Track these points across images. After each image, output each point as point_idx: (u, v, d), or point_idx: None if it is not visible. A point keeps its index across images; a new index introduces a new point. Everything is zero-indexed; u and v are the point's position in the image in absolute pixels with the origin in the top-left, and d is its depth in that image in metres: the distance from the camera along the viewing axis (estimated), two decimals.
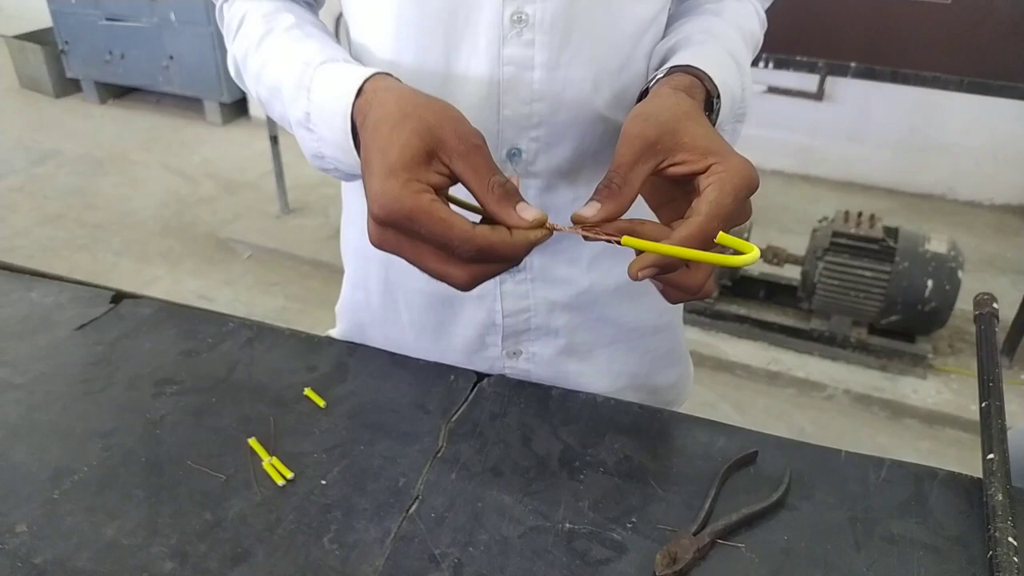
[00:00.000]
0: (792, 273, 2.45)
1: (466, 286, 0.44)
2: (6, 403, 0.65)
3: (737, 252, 0.45)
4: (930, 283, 2.10)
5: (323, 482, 0.58)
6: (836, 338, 2.33)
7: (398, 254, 0.45)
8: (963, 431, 2.11)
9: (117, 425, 0.63)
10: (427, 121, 0.44)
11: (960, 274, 2.09)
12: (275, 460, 0.59)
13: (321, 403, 0.65)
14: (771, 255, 2.39)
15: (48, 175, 3.53)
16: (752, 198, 0.48)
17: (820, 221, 2.35)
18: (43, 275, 0.83)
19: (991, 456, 0.58)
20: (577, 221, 0.45)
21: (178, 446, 0.61)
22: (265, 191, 3.21)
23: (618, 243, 0.45)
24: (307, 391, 0.66)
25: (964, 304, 2.26)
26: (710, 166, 0.46)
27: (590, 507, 0.57)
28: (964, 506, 0.58)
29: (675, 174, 0.47)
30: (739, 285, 2.51)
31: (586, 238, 0.47)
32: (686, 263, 0.47)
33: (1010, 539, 0.52)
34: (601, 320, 0.68)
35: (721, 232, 0.44)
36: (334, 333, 0.79)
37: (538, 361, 0.69)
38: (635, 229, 0.46)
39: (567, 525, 0.55)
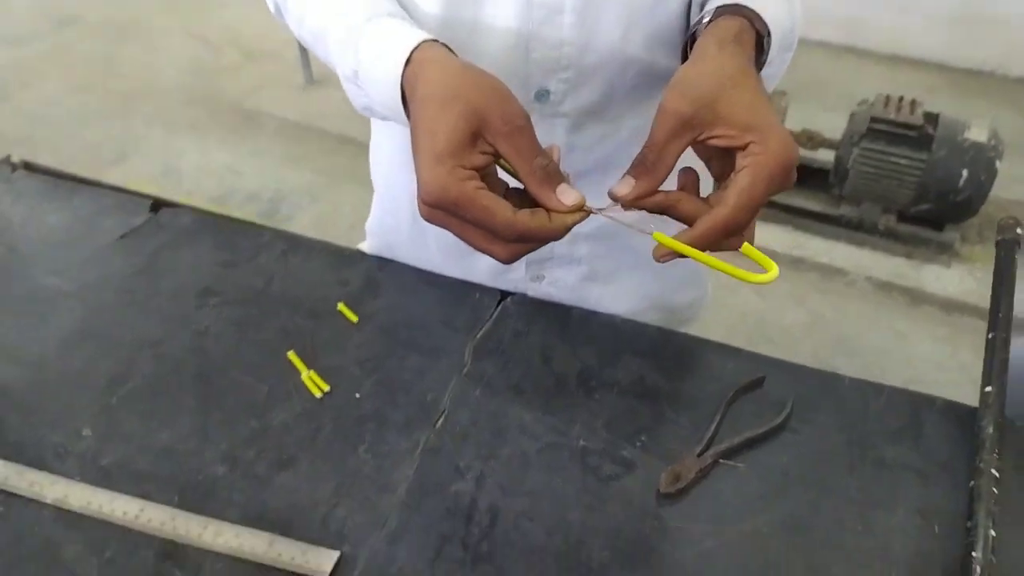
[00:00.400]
0: (826, 157, 2.40)
1: (507, 261, 0.47)
2: (61, 311, 0.69)
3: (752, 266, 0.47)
4: (965, 173, 2.05)
5: (357, 395, 0.63)
6: (864, 224, 2.31)
7: (446, 229, 0.47)
8: (981, 319, 2.13)
9: (164, 335, 0.67)
10: (473, 102, 0.44)
11: (998, 164, 2.04)
12: (313, 373, 0.64)
13: (354, 318, 0.69)
14: (806, 139, 2.33)
15: (71, 42, 3.47)
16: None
17: (859, 104, 2.27)
18: (84, 181, 0.85)
19: (988, 389, 0.61)
20: (613, 197, 0.46)
21: (223, 356, 0.66)
22: (288, 60, 3.14)
23: (650, 235, 0.47)
24: (340, 306, 0.70)
25: (1000, 191, 2.22)
26: (748, 144, 0.46)
27: (604, 426, 0.61)
28: (957, 434, 0.61)
29: (714, 147, 0.47)
30: None
31: (622, 222, 0.48)
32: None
33: (992, 471, 0.55)
34: (623, 248, 0.70)
35: (747, 244, 0.45)
36: (364, 247, 0.82)
37: (560, 286, 0.72)
38: (673, 205, 0.47)
39: (581, 442, 0.60)
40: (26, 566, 0.50)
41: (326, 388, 0.63)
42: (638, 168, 0.47)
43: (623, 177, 0.48)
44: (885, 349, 2.02)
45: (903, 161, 2.13)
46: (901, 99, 2.19)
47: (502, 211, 0.44)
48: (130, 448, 0.58)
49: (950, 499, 0.56)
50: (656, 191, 0.48)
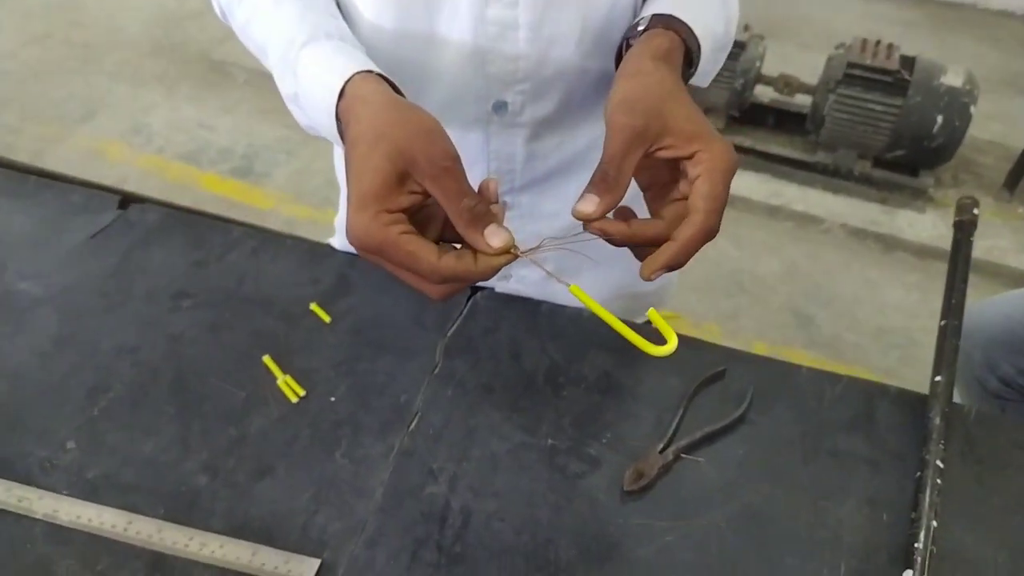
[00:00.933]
0: (803, 101, 2.40)
1: (440, 299, 0.48)
2: (38, 318, 0.70)
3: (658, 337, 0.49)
4: (940, 119, 2.06)
5: (332, 399, 0.64)
6: (840, 170, 2.32)
7: (379, 266, 0.47)
8: None
9: (141, 341, 0.68)
10: (399, 143, 0.44)
11: (972, 109, 2.04)
12: (288, 378, 0.65)
13: (326, 318, 0.70)
14: (783, 84, 2.32)
15: None
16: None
17: (836, 48, 2.25)
18: (51, 176, 0.85)
19: (938, 379, 0.64)
20: (579, 217, 0.47)
21: (199, 362, 0.67)
22: None
23: (566, 286, 0.49)
24: (313, 306, 0.71)
25: (976, 131, 2.23)
26: (695, 153, 0.47)
27: (571, 424, 0.63)
28: (908, 422, 0.64)
29: (662, 158, 0.48)
30: (748, 113, 2.46)
31: (544, 269, 0.49)
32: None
33: (938, 462, 0.59)
34: (587, 247, 0.71)
35: (653, 310, 0.47)
36: (335, 243, 0.82)
37: (527, 283, 0.73)
38: (636, 234, 0.48)
39: (549, 441, 0.62)
40: None
41: (302, 393, 0.65)
42: (599, 185, 0.48)
43: (584, 196, 0.48)
44: (858, 297, 2.07)
45: (878, 107, 2.13)
46: (878, 43, 2.18)
47: (426, 256, 0.45)
48: (114, 460, 0.60)
49: (899, 487, 0.60)
50: (617, 206, 0.49)
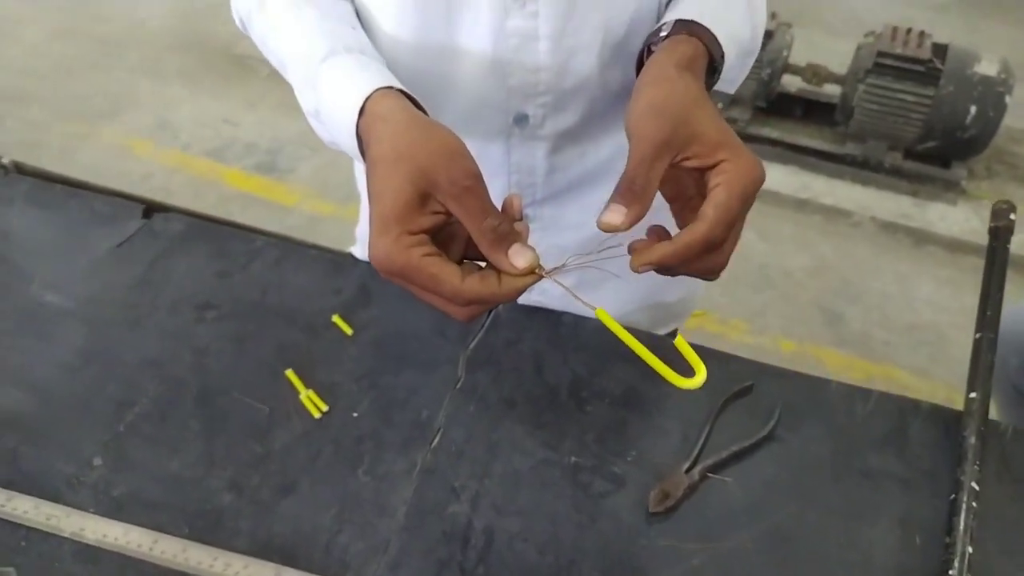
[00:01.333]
0: (833, 91, 2.35)
1: (465, 320, 0.47)
2: (64, 332, 0.70)
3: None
4: (973, 109, 2.01)
5: (355, 414, 0.64)
6: (870, 162, 2.28)
7: (404, 287, 0.47)
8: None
9: (166, 355, 0.69)
10: (420, 163, 0.44)
11: (1007, 99, 1.99)
12: (311, 393, 0.65)
13: (348, 331, 0.70)
14: (811, 74, 2.28)
15: None
16: None
17: (866, 36, 2.20)
18: (76, 184, 0.85)
19: (972, 395, 0.62)
20: (605, 229, 0.46)
21: (223, 376, 0.67)
22: None
23: (592, 311, 0.48)
24: (335, 318, 0.71)
25: (1012, 120, 2.17)
26: (720, 162, 0.46)
27: (594, 440, 0.63)
28: (942, 440, 0.63)
29: (688, 167, 0.47)
30: (775, 103, 2.42)
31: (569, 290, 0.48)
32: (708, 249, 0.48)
33: (973, 484, 0.57)
34: (612, 263, 0.70)
35: (680, 339, 0.45)
36: (356, 252, 0.82)
37: (550, 296, 0.72)
38: (644, 247, 0.47)
39: (573, 458, 0.61)
40: None
41: (324, 408, 0.64)
42: (625, 195, 0.46)
43: (609, 206, 0.47)
44: (888, 293, 2.03)
45: (909, 98, 2.08)
46: (909, 31, 2.13)
47: (448, 279, 0.44)
48: (140, 478, 0.60)
49: (932, 508, 0.58)
50: (644, 216, 0.48)
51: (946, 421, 0.64)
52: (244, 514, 0.58)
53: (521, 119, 0.58)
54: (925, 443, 0.62)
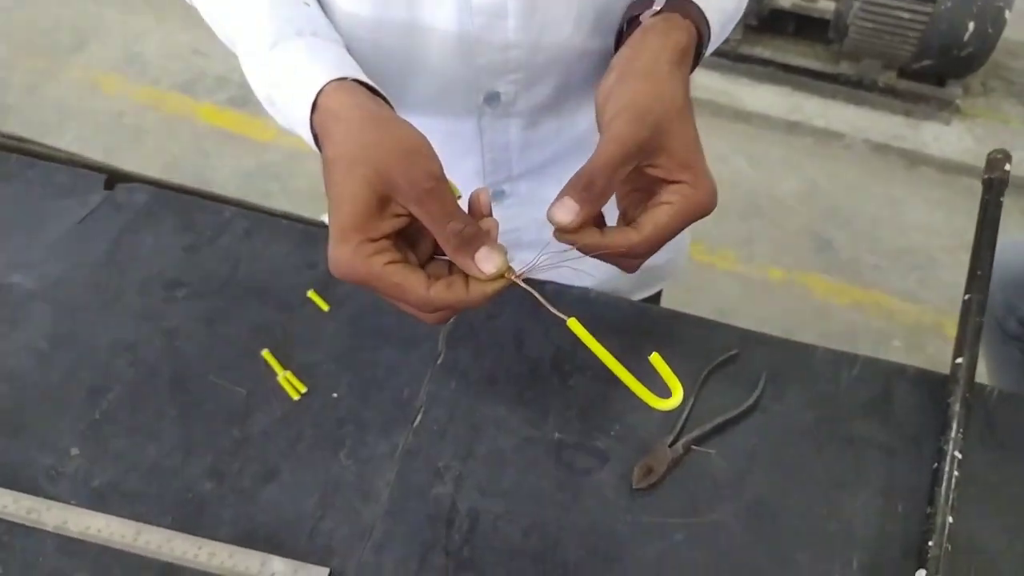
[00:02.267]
0: (827, 6, 2.26)
1: (435, 324, 0.45)
2: (32, 315, 0.68)
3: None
4: (972, 26, 1.94)
5: (334, 395, 0.63)
6: (863, 82, 2.22)
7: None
8: (979, 180, 2.10)
9: (137, 337, 0.67)
10: (377, 166, 0.41)
11: (1007, 15, 1.92)
12: (289, 374, 0.64)
13: (325, 307, 0.68)
14: None
15: None
16: None
17: None
18: (33, 154, 0.81)
19: (959, 360, 0.61)
20: (556, 225, 0.44)
21: (197, 358, 0.66)
22: None
23: (563, 320, 0.46)
24: (310, 293, 0.69)
25: (1012, 32, 2.10)
26: (679, 182, 0.45)
27: (577, 415, 0.62)
28: (927, 404, 0.62)
29: (648, 175, 0.46)
30: (767, 20, 2.33)
31: (538, 297, 0.47)
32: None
33: (956, 453, 0.57)
34: (584, 261, 0.68)
35: (657, 356, 0.44)
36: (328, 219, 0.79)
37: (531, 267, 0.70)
38: (609, 244, 0.45)
39: (556, 435, 0.61)
40: None
41: (303, 390, 0.63)
42: (582, 193, 0.44)
43: (561, 200, 0.45)
44: (879, 217, 2.01)
45: (906, 14, 2.01)
46: None
47: (413, 288, 0.42)
48: (119, 467, 0.60)
49: (916, 475, 0.59)
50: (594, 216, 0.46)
51: (932, 385, 0.63)
52: (226, 502, 0.58)
53: (492, 97, 0.55)
54: (910, 408, 0.62)
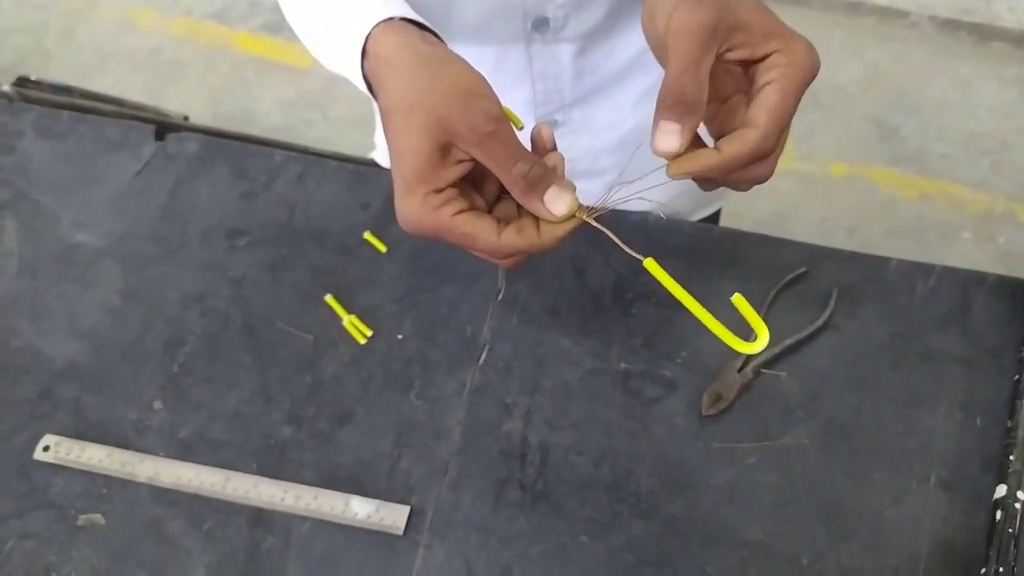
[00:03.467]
0: None
1: (510, 268, 0.44)
2: (102, 273, 0.70)
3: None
4: None
5: (399, 336, 0.64)
6: None
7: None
8: None
9: (205, 288, 0.68)
10: (434, 112, 0.40)
11: None
12: (354, 318, 0.65)
13: (382, 248, 0.68)
14: None
15: None
16: None
17: None
18: (81, 109, 0.82)
19: None
20: (663, 155, 0.42)
21: (264, 306, 0.67)
22: None
23: (640, 260, 0.44)
24: (367, 235, 0.69)
25: None
26: (771, 54, 0.40)
27: (642, 344, 0.62)
28: (1007, 313, 0.60)
29: (732, 59, 0.41)
30: None
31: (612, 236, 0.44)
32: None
33: None
34: (647, 154, 0.65)
35: (739, 297, 0.41)
36: (377, 158, 0.78)
37: (588, 196, 0.68)
38: (731, 160, 0.42)
39: (622, 365, 0.61)
40: (140, 546, 0.57)
41: (369, 333, 0.64)
42: (676, 108, 0.40)
43: (660, 125, 0.41)
44: (947, 100, 1.90)
45: None
46: None
47: (484, 236, 0.41)
48: (202, 417, 0.62)
49: (996, 388, 0.57)
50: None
51: (1013, 291, 0.61)
52: (306, 446, 0.60)
53: (540, 23, 0.52)
54: (989, 319, 0.60)
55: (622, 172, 0.45)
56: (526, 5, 0.51)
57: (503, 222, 0.43)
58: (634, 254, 0.44)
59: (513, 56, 0.57)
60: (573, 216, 0.43)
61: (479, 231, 0.41)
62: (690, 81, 0.40)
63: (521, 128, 0.44)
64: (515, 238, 0.42)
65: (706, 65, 0.40)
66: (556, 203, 0.41)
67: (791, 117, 0.42)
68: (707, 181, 0.44)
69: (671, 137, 0.41)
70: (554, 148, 0.44)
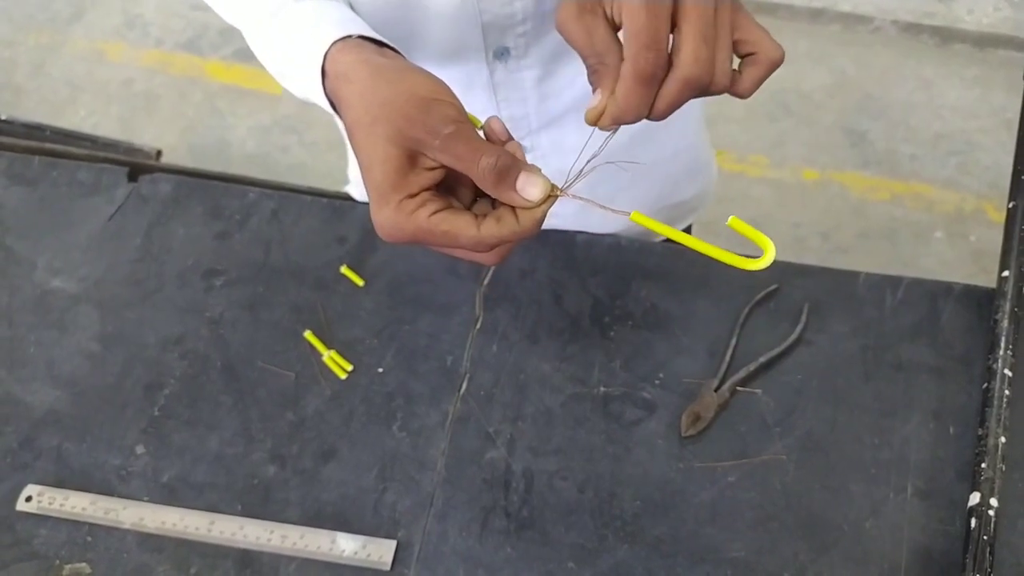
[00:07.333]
0: None
1: (496, 263, 0.45)
2: (79, 318, 0.70)
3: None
4: None
5: (380, 370, 0.64)
6: None
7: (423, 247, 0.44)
8: (1017, 51, 1.99)
9: (184, 330, 0.68)
10: (395, 122, 0.40)
11: None
12: (334, 353, 0.65)
13: (359, 281, 0.69)
14: None
15: None
16: None
17: None
18: (51, 153, 0.81)
19: (1005, 273, 0.60)
20: (592, 123, 0.43)
21: (244, 345, 0.67)
22: None
23: (625, 215, 0.44)
24: (344, 269, 0.69)
25: None
26: None
27: (621, 366, 0.62)
28: (975, 321, 0.61)
29: None
30: None
31: (595, 202, 0.45)
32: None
33: (1006, 371, 0.56)
34: (620, 169, 0.66)
35: (735, 219, 0.41)
36: (352, 192, 0.78)
37: (561, 216, 0.69)
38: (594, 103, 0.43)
39: (602, 388, 0.62)
40: None
41: (349, 368, 0.64)
42: (591, 77, 0.42)
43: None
44: (912, 102, 1.93)
45: None
46: None
47: (463, 231, 0.41)
48: (185, 460, 0.62)
49: (967, 395, 0.58)
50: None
51: (979, 301, 0.62)
52: (291, 485, 0.60)
53: (502, 53, 0.53)
54: (958, 328, 0.61)
55: (590, 158, 0.45)
56: (487, 37, 0.52)
57: (481, 217, 0.43)
58: (619, 212, 0.44)
59: (477, 87, 0.58)
60: (549, 196, 0.43)
61: (458, 227, 0.41)
62: (593, 56, 0.42)
63: (480, 127, 0.45)
64: (495, 228, 0.42)
65: (596, 21, 0.41)
66: (529, 188, 0.42)
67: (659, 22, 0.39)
68: (662, 104, 0.43)
69: (593, 100, 0.42)
70: (510, 139, 0.44)
